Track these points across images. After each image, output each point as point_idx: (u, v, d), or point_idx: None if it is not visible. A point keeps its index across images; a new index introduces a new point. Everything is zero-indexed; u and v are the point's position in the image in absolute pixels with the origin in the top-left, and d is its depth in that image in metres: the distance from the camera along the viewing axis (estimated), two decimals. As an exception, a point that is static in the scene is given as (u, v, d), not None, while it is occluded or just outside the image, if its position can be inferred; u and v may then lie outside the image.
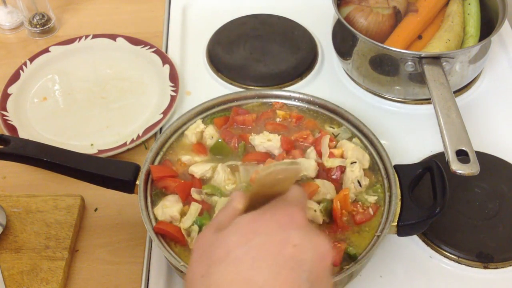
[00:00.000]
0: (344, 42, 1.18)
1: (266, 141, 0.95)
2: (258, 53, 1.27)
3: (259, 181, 0.59)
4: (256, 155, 0.95)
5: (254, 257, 0.52)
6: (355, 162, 0.91)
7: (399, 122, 1.14)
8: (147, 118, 1.15)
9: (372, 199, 0.89)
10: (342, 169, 0.91)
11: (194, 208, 0.87)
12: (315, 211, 0.86)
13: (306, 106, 1.03)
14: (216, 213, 0.86)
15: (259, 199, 0.61)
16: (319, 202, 0.87)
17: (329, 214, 0.87)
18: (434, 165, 0.88)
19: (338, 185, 0.91)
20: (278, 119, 1.01)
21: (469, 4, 1.17)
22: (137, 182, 0.90)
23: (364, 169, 0.92)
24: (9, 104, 1.17)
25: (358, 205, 0.88)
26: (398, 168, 0.91)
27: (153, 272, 0.92)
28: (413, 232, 0.90)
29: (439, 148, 0.98)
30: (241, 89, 1.19)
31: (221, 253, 0.53)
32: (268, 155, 0.95)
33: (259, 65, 1.24)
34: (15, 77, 1.22)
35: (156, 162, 0.95)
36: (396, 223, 0.85)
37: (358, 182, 0.89)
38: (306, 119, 1.01)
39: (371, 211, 0.88)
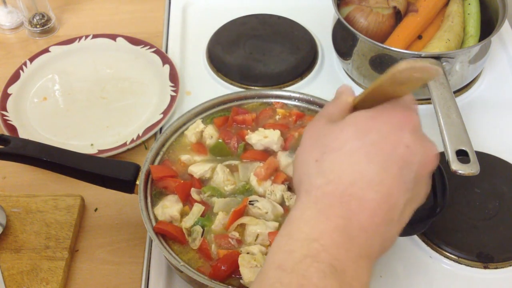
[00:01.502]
0: (344, 42, 1.18)
1: (263, 138, 0.95)
2: (258, 53, 1.27)
3: (391, 75, 0.57)
4: (255, 153, 0.95)
5: (368, 151, 0.56)
6: None
7: (399, 122, 1.14)
8: (147, 118, 1.15)
9: None
10: None
11: (197, 209, 0.87)
12: None
13: (306, 106, 1.03)
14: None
15: (372, 98, 0.61)
16: None
17: None
18: (434, 165, 0.88)
19: None
20: (277, 117, 1.01)
21: (469, 4, 1.17)
22: (137, 182, 0.90)
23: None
24: (9, 104, 1.17)
25: None
26: (398, 168, 0.91)
27: (153, 272, 0.92)
28: (413, 232, 0.90)
29: (439, 148, 0.98)
30: (241, 89, 1.19)
31: (337, 143, 0.57)
32: (267, 153, 0.95)
33: (259, 65, 1.24)
34: (15, 77, 1.22)
35: (156, 162, 0.95)
36: (396, 223, 0.85)
37: None
38: (306, 116, 1.01)
39: None
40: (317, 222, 0.55)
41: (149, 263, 0.94)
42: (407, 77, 0.57)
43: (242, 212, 0.86)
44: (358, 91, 1.26)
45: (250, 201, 0.87)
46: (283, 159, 0.92)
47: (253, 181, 0.91)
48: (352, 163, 0.56)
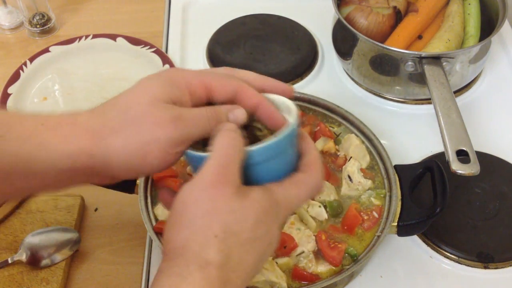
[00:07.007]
0: (344, 42, 1.18)
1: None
2: (258, 53, 1.27)
3: None
4: None
5: (261, 242, 0.59)
6: (351, 157, 0.92)
7: (399, 122, 1.14)
8: (147, 118, 1.14)
9: (377, 202, 0.89)
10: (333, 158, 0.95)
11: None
12: (319, 206, 0.87)
13: (306, 106, 1.03)
14: None
15: None
16: (322, 203, 0.88)
17: (335, 213, 0.88)
18: (434, 165, 0.88)
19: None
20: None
21: (469, 4, 1.17)
22: (137, 182, 0.90)
23: (365, 170, 0.93)
24: (9, 104, 1.17)
25: (362, 213, 0.88)
26: (398, 168, 0.91)
27: (153, 272, 0.92)
28: (413, 232, 0.90)
29: (439, 148, 0.98)
30: (241, 89, 1.19)
31: (239, 226, 0.57)
32: None
33: (259, 65, 1.24)
34: (15, 77, 1.22)
35: (156, 162, 0.95)
36: (396, 223, 0.85)
37: (349, 177, 0.90)
38: (306, 116, 1.01)
39: (375, 214, 0.87)
40: None
41: (149, 263, 0.94)
42: None
43: None
44: (358, 91, 1.26)
45: None
46: None
47: None
48: (249, 253, 0.57)
